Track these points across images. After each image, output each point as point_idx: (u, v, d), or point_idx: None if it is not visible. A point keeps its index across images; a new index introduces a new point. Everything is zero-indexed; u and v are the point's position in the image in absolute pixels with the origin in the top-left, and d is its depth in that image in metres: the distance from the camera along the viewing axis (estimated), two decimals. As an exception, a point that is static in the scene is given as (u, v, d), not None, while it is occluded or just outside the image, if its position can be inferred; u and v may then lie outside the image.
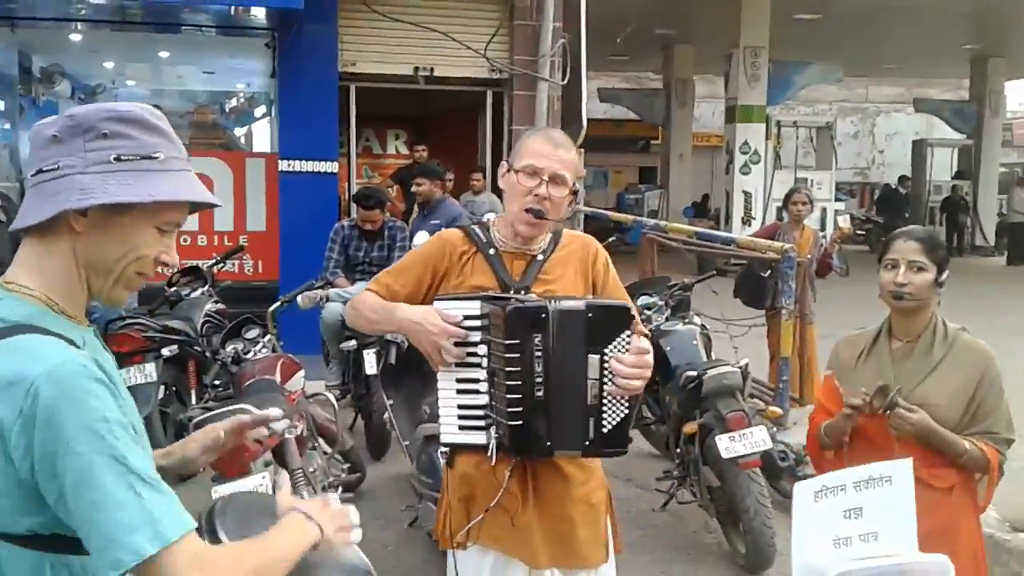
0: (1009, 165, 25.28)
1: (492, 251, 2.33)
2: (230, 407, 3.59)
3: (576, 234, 2.50)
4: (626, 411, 2.17)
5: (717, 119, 21.38)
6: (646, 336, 2.29)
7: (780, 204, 6.88)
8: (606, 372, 2.12)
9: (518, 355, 2.10)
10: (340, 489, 4.48)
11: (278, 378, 4.30)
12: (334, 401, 4.86)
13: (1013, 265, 17.70)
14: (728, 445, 4.03)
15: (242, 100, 12.59)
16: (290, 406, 4.09)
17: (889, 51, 19.69)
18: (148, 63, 11.13)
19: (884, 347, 2.59)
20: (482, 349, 2.18)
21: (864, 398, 2.41)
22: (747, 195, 15.36)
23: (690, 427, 4.30)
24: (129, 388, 4.82)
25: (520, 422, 2.14)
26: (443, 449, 2.38)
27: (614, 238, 7.06)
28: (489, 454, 2.21)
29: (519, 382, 2.11)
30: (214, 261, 6.39)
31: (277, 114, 8.65)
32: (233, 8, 8.25)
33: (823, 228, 15.38)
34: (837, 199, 17.72)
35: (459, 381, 2.21)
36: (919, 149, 21.51)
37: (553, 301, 2.16)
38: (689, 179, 20.22)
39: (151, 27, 9.31)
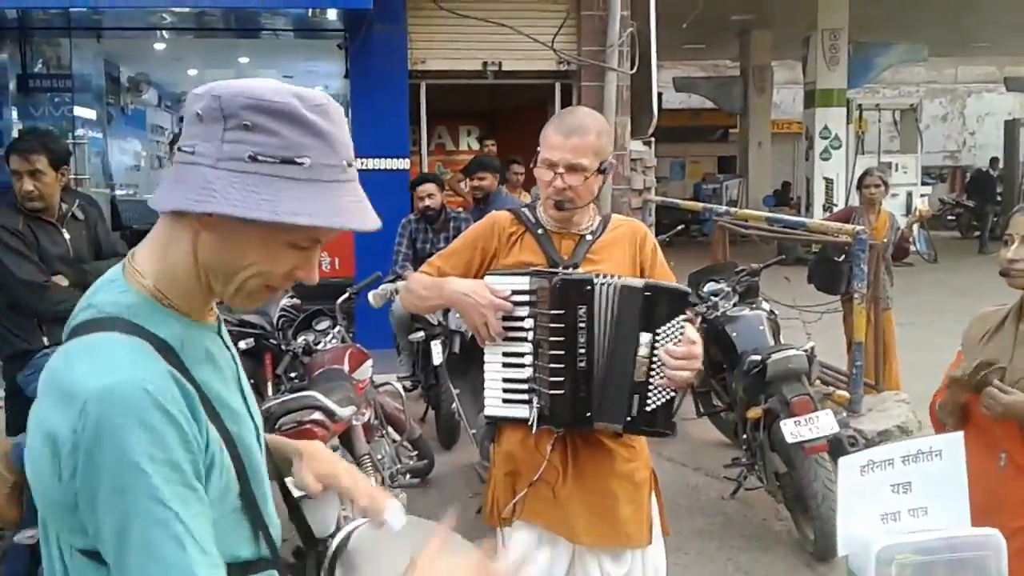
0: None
1: (541, 231, 2.37)
2: (298, 394, 3.71)
3: (624, 218, 2.52)
4: (672, 394, 2.20)
5: (797, 105, 20.88)
6: (693, 325, 2.29)
7: (856, 186, 6.70)
8: (656, 353, 2.15)
9: (562, 325, 2.16)
10: (408, 475, 4.58)
11: (346, 367, 4.42)
12: (402, 391, 4.99)
13: None
14: (793, 430, 3.98)
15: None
16: (358, 394, 4.21)
17: (977, 28, 18.88)
18: (229, 68, 11.50)
19: (1011, 327, 2.46)
20: (528, 323, 2.22)
21: (965, 372, 2.32)
22: (828, 181, 15.01)
23: (755, 412, 4.25)
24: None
25: (562, 391, 2.19)
26: (487, 423, 2.42)
27: (682, 226, 6.99)
28: (530, 424, 2.25)
29: (562, 351, 2.17)
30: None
31: (351, 113, 8.85)
32: (307, 10, 8.49)
33: (909, 213, 14.95)
34: (924, 183, 17.16)
35: (505, 355, 2.26)
36: (1011, 129, 20.65)
37: (604, 276, 2.20)
38: (769, 167, 19.83)
39: (230, 33, 9.63)
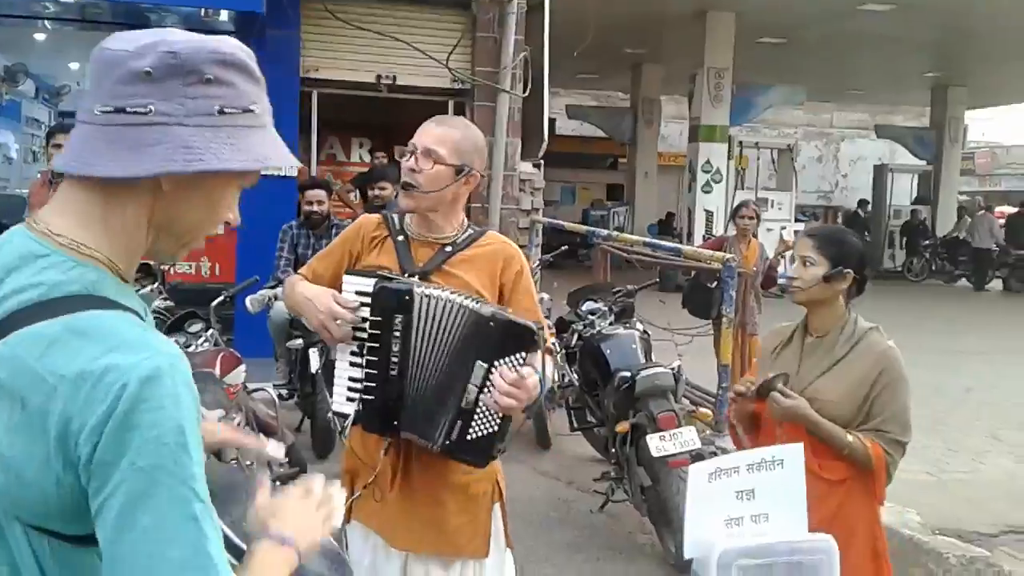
0: (970, 193, 25.88)
1: (401, 237, 2.37)
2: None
3: (500, 238, 2.47)
4: (496, 427, 2.19)
5: (684, 139, 21.64)
6: (551, 353, 2.29)
7: (731, 216, 7.04)
8: (489, 383, 2.13)
9: (377, 331, 2.17)
10: (279, 483, 4.51)
11: (218, 371, 4.34)
12: (275, 397, 4.92)
13: (980, 290, 18.26)
14: (658, 444, 4.13)
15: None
16: (229, 399, 4.14)
17: (852, 77, 20.13)
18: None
19: (798, 341, 2.71)
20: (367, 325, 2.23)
21: (748, 385, 2.57)
22: (709, 213, 15.59)
23: (622, 426, 4.39)
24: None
25: (372, 396, 2.20)
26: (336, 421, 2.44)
27: (566, 248, 7.15)
28: (344, 425, 2.29)
29: (375, 357, 2.18)
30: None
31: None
32: (199, 10, 8.32)
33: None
34: (798, 219, 18.02)
35: (351, 354, 2.26)
36: (880, 174, 21.97)
37: (433, 288, 2.19)
38: (655, 197, 20.46)
39: (116, 27, 9.30)
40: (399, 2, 8.61)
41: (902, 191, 22.18)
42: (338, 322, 2.20)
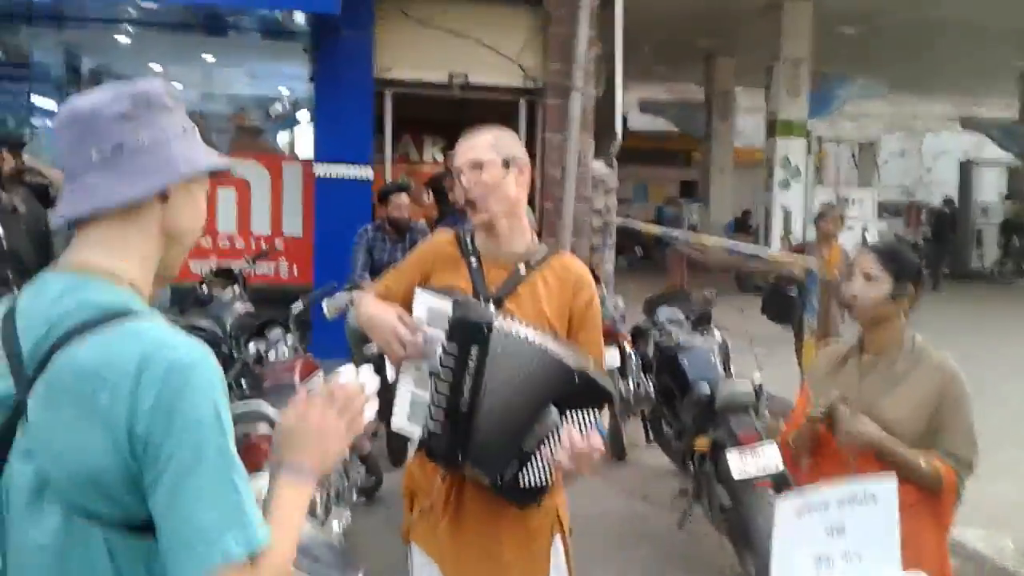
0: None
1: (474, 260, 2.35)
2: (244, 403, 3.66)
3: (571, 260, 2.44)
4: (548, 481, 2.16)
5: (760, 132, 21.21)
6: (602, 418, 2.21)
7: (814, 220, 6.84)
8: (555, 434, 2.09)
9: (452, 362, 2.13)
10: (356, 494, 4.53)
11: (297, 379, 4.37)
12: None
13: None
14: (739, 464, 4.01)
15: (285, 104, 12.82)
16: (306, 407, 4.17)
17: (936, 67, 19.39)
18: (193, 64, 11.36)
19: (854, 360, 2.61)
20: (439, 348, 2.19)
21: (820, 412, 2.45)
22: (787, 212, 15.20)
23: (701, 442, 4.27)
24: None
25: (439, 427, 2.17)
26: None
27: (640, 251, 7.02)
28: (407, 446, 2.25)
29: (445, 388, 2.15)
30: (245, 264, 6.51)
31: (314, 118, 8.79)
32: (274, 12, 8.42)
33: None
34: (880, 217, 17.48)
35: (417, 371, 2.23)
36: (966, 171, 21.15)
37: (512, 324, 2.13)
38: (730, 194, 20.06)
39: (195, 29, 9.52)
40: (472, 1, 8.59)
41: (989, 186, 21.33)
42: (400, 342, 2.18)
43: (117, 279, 1.30)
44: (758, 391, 4.32)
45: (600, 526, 4.81)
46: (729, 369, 5.00)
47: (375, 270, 6.16)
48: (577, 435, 2.05)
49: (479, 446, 2.16)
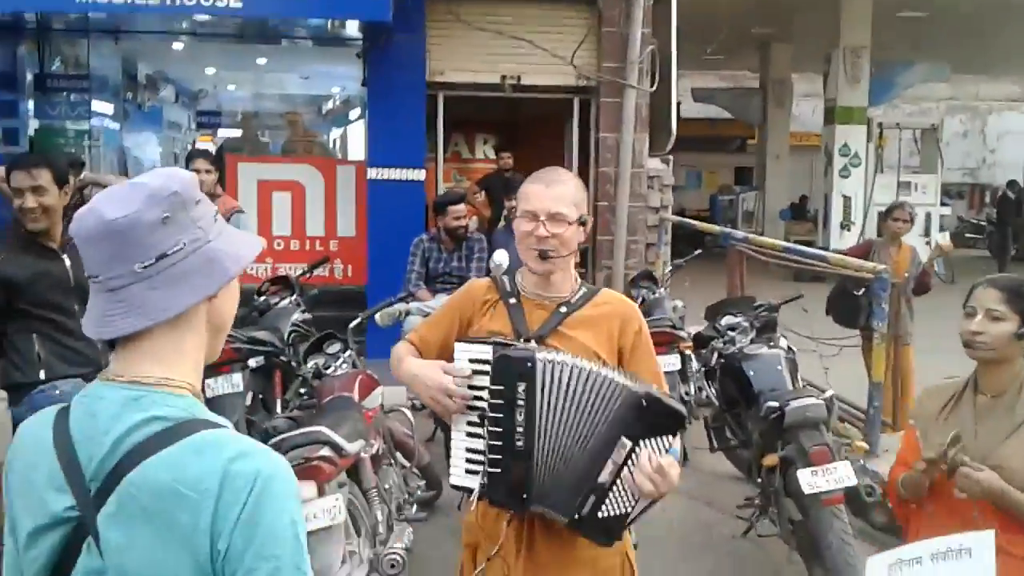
0: None
1: (513, 300, 2.32)
2: (308, 428, 3.65)
3: (615, 295, 2.44)
4: (631, 508, 2.09)
5: (816, 117, 20.73)
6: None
7: (881, 214, 6.64)
8: (632, 462, 2.03)
9: (499, 402, 2.09)
10: (415, 507, 4.51)
11: (356, 395, 4.35)
12: (411, 417, 4.91)
13: None
14: (810, 480, 3.89)
15: (336, 104, 12.90)
16: (367, 423, 4.15)
17: (999, 47, 18.72)
18: (247, 70, 11.47)
19: (968, 401, 2.45)
20: (485, 394, 2.15)
21: (939, 451, 2.30)
22: (846, 199, 14.87)
23: (771, 459, 4.15)
24: (216, 398, 4.90)
25: (498, 469, 2.11)
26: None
27: (699, 251, 6.87)
28: (471, 499, 2.20)
29: (498, 429, 2.10)
30: (302, 271, 6.52)
31: (367, 122, 8.80)
32: (327, 21, 8.44)
33: (927, 233, 14.76)
34: (943, 203, 16.99)
35: (468, 424, 2.19)
36: (1033, 150, 20.47)
37: (556, 355, 2.10)
38: (786, 180, 19.66)
39: (250, 39, 9.60)
40: (523, 1, 8.50)
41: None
42: (447, 395, 2.16)
43: (175, 387, 1.27)
44: (829, 406, 4.19)
45: (666, 534, 4.74)
46: (796, 379, 4.86)
47: (430, 279, 6.14)
48: (656, 458, 2.00)
49: (545, 484, 2.11)
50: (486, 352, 2.15)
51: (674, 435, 2.05)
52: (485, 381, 2.13)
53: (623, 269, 8.42)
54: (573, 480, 2.09)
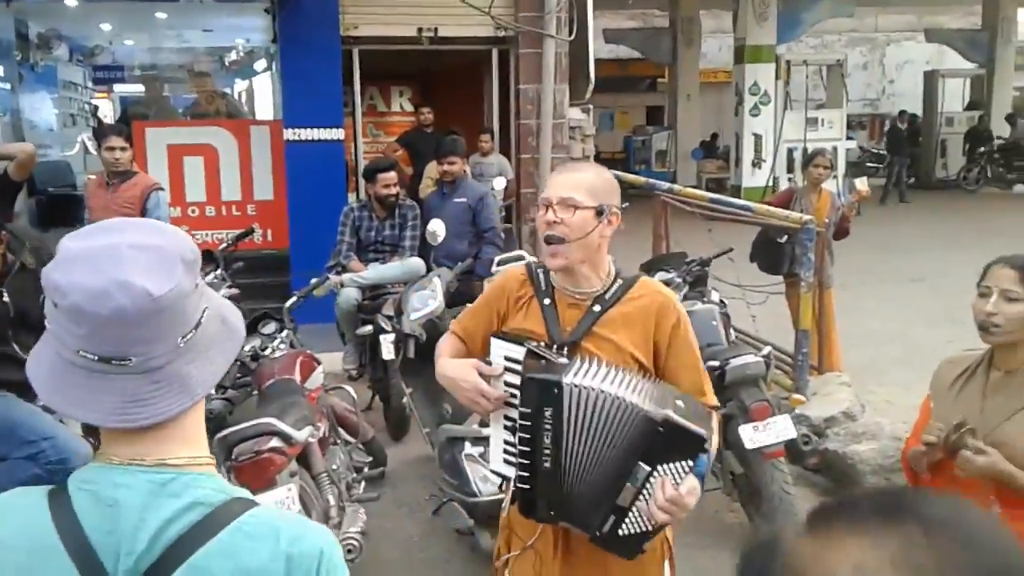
0: (1020, 89, 24.85)
1: (548, 300, 2.27)
2: (256, 420, 3.57)
3: (652, 286, 2.32)
4: (649, 528, 2.06)
5: (725, 54, 20.95)
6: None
7: (803, 165, 6.78)
8: (649, 487, 2.01)
9: (528, 423, 2.07)
10: (363, 485, 4.50)
11: (298, 377, 4.29)
12: (353, 393, 4.87)
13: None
14: (752, 436, 4.02)
15: (241, 56, 12.41)
16: (311, 406, 4.09)
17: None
18: (145, 26, 10.93)
19: (981, 376, 2.40)
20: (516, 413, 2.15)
21: (939, 435, 2.28)
22: (757, 137, 15.15)
23: (713, 416, 4.26)
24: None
25: (527, 486, 2.13)
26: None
27: (626, 205, 6.90)
28: (504, 503, 2.24)
29: (528, 448, 2.09)
30: (225, 244, 6.33)
31: (280, 78, 8.51)
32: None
33: (832, 167, 15.11)
34: (848, 138, 17.47)
35: (506, 417, 2.19)
36: (930, 81, 21.15)
37: (583, 378, 2.05)
38: (697, 119, 19.92)
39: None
40: (438, -48, 8.29)
41: (952, 96, 21.37)
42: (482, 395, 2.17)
43: (203, 465, 1.18)
44: (768, 362, 4.32)
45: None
46: (729, 332, 4.98)
47: (362, 248, 6.03)
48: (670, 488, 1.95)
49: (570, 504, 2.11)
50: (519, 352, 2.13)
51: (693, 460, 1.99)
52: (517, 380, 2.12)
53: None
54: (594, 500, 2.08)
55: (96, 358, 1.09)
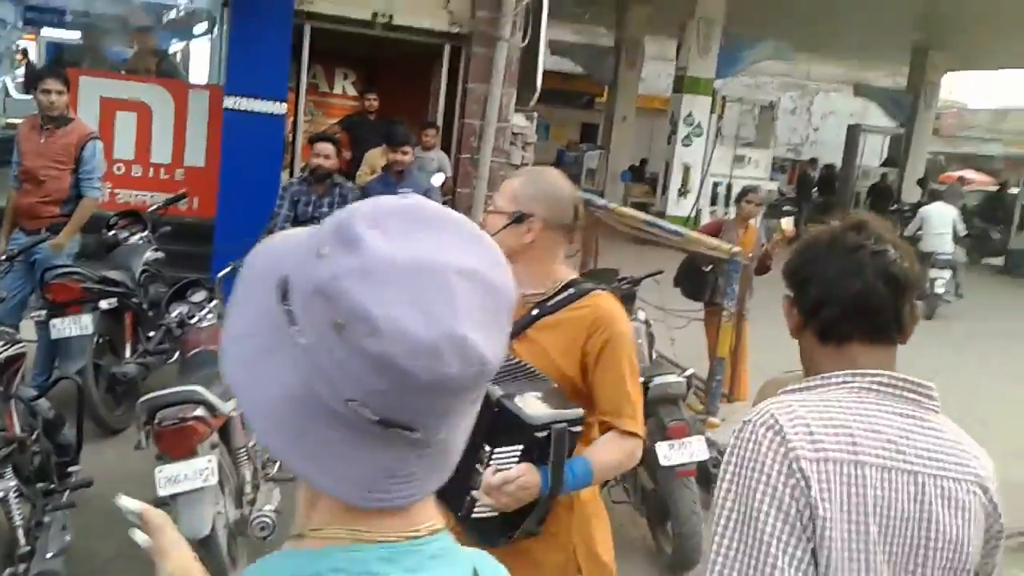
0: (934, 153, 26.15)
1: None
2: (181, 387, 3.51)
3: (601, 301, 2.27)
4: (493, 514, 2.07)
5: (663, 81, 21.34)
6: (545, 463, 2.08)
7: (735, 200, 7.02)
8: (488, 466, 2.03)
9: None
10: (278, 464, 4.46)
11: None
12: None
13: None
14: (667, 453, 4.15)
15: (180, 15, 12.08)
16: (235, 379, 4.04)
17: (835, 31, 19.84)
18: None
19: None
20: None
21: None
22: (686, 168, 15.49)
23: (631, 432, 4.38)
24: (63, 340, 4.61)
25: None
26: None
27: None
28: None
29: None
30: (154, 207, 6.18)
31: (226, 43, 8.33)
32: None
33: (763, 205, 15.61)
34: (772, 179, 18.04)
35: None
36: (853, 133, 22.01)
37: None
38: (631, 142, 20.20)
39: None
40: (401, -61, 8.27)
41: (872, 152, 22.32)
42: None
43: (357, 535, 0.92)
44: (689, 383, 4.46)
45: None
46: (653, 351, 5.12)
47: (298, 222, 5.96)
48: (489, 473, 1.99)
49: (449, 484, 2.14)
50: None
51: (522, 446, 2.00)
52: None
53: (480, 224, 8.49)
54: (458, 480, 2.11)
55: (378, 420, 0.81)
